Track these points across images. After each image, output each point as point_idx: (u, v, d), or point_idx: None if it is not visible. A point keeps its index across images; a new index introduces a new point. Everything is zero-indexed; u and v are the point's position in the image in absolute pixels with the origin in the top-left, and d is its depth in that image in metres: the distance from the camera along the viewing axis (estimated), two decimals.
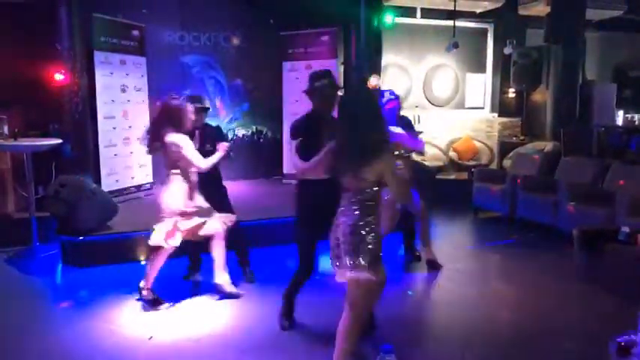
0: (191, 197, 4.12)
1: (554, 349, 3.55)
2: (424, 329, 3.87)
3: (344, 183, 2.78)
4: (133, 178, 7.12)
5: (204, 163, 4.09)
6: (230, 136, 8.56)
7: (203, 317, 4.07)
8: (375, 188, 2.71)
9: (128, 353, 3.50)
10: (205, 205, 4.23)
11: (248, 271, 4.82)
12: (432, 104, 9.45)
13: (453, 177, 8.65)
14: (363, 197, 2.70)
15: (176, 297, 4.42)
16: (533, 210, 6.53)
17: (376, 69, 7.83)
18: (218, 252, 4.31)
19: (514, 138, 9.33)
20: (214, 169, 4.44)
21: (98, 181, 6.30)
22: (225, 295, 4.33)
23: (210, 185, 4.45)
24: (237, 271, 4.74)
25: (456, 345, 3.67)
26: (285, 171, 8.29)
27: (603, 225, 5.23)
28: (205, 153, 4.52)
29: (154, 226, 4.06)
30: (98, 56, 6.53)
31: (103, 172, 6.59)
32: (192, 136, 4.45)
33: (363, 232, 2.67)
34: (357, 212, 2.70)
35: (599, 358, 2.75)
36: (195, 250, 4.65)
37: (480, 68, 9.89)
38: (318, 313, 4.00)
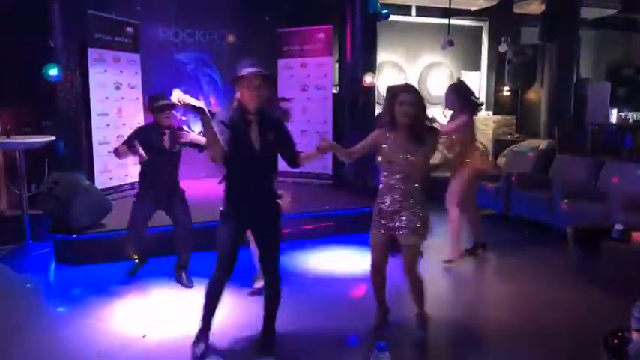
0: None
1: (547, 346, 3.56)
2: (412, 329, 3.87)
3: (398, 167, 3.32)
4: (126, 175, 7.07)
5: None
6: None
7: (197, 315, 4.05)
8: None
9: (121, 351, 3.48)
10: None
11: (185, 276, 4.60)
12: (427, 102, 9.43)
13: (447, 175, 8.64)
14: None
15: (171, 294, 4.43)
16: (528, 208, 6.55)
17: (371, 67, 7.82)
18: None
19: (509, 136, 9.37)
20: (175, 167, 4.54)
21: (92, 178, 6.26)
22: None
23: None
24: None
25: (449, 343, 3.68)
26: (279, 169, 8.25)
27: (597, 223, 5.24)
28: (173, 155, 4.51)
29: None
30: (92, 53, 6.48)
31: (97, 169, 6.55)
32: (163, 135, 4.45)
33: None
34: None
35: (592, 355, 2.76)
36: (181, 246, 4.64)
37: (475, 66, 9.91)
38: (304, 310, 4.00)
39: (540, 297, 4.45)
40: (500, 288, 4.78)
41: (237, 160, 3.15)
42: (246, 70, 3.14)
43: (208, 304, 3.38)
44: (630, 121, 10.07)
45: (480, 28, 9.91)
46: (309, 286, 4.59)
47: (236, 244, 3.30)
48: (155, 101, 4.44)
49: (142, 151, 4.29)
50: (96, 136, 6.55)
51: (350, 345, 3.56)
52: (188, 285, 4.54)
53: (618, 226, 4.68)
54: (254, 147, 3.18)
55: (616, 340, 2.56)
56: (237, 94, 3.25)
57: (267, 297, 3.40)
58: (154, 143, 4.40)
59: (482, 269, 5.34)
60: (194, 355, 3.33)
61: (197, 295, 4.39)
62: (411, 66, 9.44)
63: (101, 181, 6.52)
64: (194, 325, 3.83)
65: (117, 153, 4.57)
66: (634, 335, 2.39)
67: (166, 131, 4.46)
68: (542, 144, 7.77)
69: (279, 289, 3.37)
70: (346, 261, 5.30)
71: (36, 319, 4.00)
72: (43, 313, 4.17)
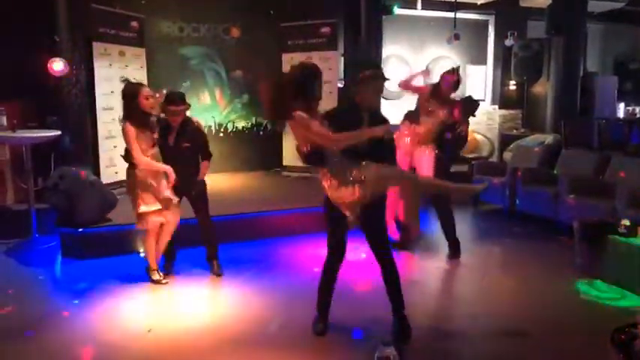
0: None
1: (553, 342, 3.54)
2: (422, 322, 3.86)
3: None
4: None
5: None
6: (230, 128, 8.55)
7: (201, 310, 4.07)
8: None
9: (127, 345, 3.50)
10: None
11: (216, 265, 4.74)
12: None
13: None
14: None
15: (177, 288, 4.44)
16: (534, 203, 6.52)
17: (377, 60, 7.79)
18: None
19: (515, 130, 9.32)
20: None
21: (97, 173, 6.29)
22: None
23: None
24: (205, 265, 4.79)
25: (454, 339, 3.67)
26: (284, 163, 8.27)
27: (603, 218, 5.21)
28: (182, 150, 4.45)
29: None
30: (97, 47, 6.49)
31: (102, 164, 6.57)
32: (169, 131, 4.43)
33: None
34: None
35: (599, 352, 2.75)
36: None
37: (481, 60, 9.85)
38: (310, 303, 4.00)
39: (546, 292, 4.44)
40: (505, 283, 4.77)
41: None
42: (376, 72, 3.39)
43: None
44: (637, 115, 10.00)
45: (486, 22, 9.84)
46: (314, 280, 4.59)
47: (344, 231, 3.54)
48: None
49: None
50: (101, 131, 6.57)
51: (355, 339, 3.57)
52: (218, 274, 4.67)
53: (625, 221, 4.65)
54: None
55: (623, 336, 2.55)
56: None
57: (386, 284, 3.57)
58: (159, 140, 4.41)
59: (487, 264, 5.32)
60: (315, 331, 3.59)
61: (200, 289, 4.43)
62: (417, 60, 9.39)
63: (107, 176, 6.53)
64: (198, 320, 3.86)
65: None
66: None
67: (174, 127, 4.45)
68: (549, 138, 7.72)
69: (395, 273, 3.56)
70: (352, 254, 5.28)
71: (42, 312, 4.02)
72: (48, 306, 4.18)
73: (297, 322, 3.72)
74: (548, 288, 4.54)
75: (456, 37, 8.48)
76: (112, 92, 6.71)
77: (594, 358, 3.03)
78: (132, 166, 4.25)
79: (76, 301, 4.21)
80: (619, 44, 10.93)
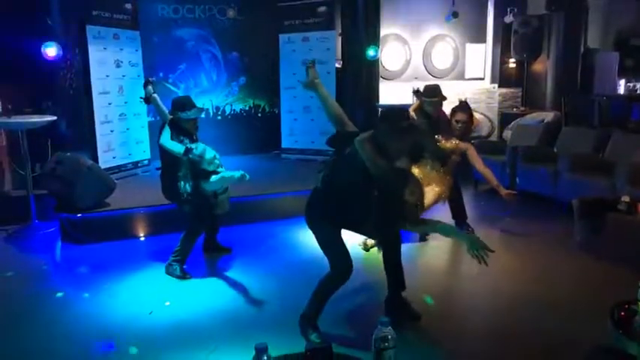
0: None
1: (553, 319, 3.56)
2: (422, 303, 3.87)
3: None
4: (130, 154, 7.07)
5: None
6: (227, 111, 8.50)
7: (201, 291, 4.08)
8: None
9: (129, 327, 3.51)
10: None
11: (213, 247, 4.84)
12: (432, 75, 9.33)
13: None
14: None
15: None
16: (534, 181, 6.50)
17: (375, 40, 7.70)
18: None
19: (514, 109, 9.25)
20: None
21: (95, 158, 6.26)
22: None
23: None
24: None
25: (453, 319, 3.68)
26: (283, 145, 8.23)
27: (603, 195, 5.20)
28: None
29: None
30: (91, 30, 6.41)
31: (100, 148, 6.54)
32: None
33: None
34: None
35: (599, 329, 2.75)
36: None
37: (480, 38, 9.73)
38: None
39: (545, 270, 4.45)
40: (505, 262, 4.77)
41: None
42: None
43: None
44: (638, 91, 9.92)
45: None
46: (313, 262, 4.59)
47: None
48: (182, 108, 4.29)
49: None
50: (98, 115, 6.51)
51: (352, 319, 3.57)
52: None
53: (625, 198, 4.64)
54: None
55: (622, 313, 2.54)
56: None
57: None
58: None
59: (487, 242, 5.31)
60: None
61: (200, 272, 4.43)
62: (415, 39, 9.29)
63: (104, 161, 6.51)
64: (199, 303, 3.87)
65: None
66: None
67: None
68: (549, 116, 7.67)
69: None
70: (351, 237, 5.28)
71: (42, 298, 4.03)
72: (49, 292, 4.19)
73: (297, 303, 3.72)
74: (548, 265, 4.55)
75: (455, 15, 8.36)
76: (107, 76, 6.65)
77: (594, 335, 3.04)
78: None
79: (77, 285, 4.22)
80: (620, 20, 10.77)
